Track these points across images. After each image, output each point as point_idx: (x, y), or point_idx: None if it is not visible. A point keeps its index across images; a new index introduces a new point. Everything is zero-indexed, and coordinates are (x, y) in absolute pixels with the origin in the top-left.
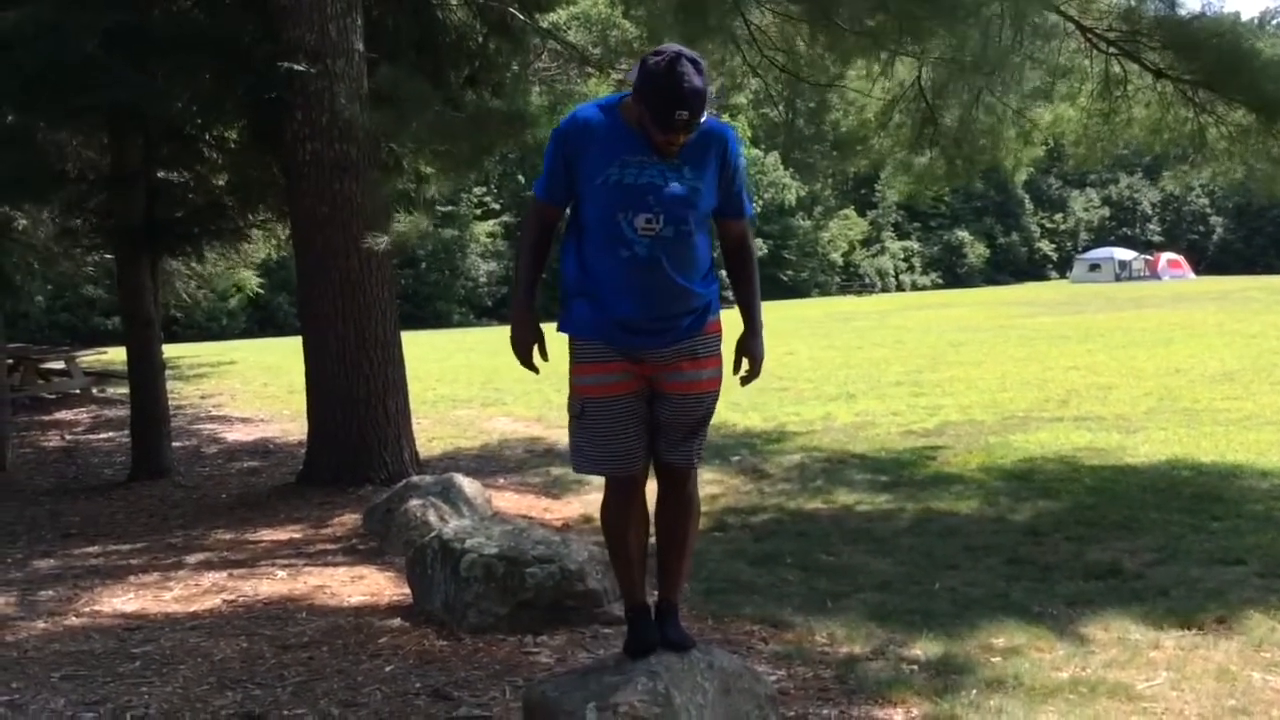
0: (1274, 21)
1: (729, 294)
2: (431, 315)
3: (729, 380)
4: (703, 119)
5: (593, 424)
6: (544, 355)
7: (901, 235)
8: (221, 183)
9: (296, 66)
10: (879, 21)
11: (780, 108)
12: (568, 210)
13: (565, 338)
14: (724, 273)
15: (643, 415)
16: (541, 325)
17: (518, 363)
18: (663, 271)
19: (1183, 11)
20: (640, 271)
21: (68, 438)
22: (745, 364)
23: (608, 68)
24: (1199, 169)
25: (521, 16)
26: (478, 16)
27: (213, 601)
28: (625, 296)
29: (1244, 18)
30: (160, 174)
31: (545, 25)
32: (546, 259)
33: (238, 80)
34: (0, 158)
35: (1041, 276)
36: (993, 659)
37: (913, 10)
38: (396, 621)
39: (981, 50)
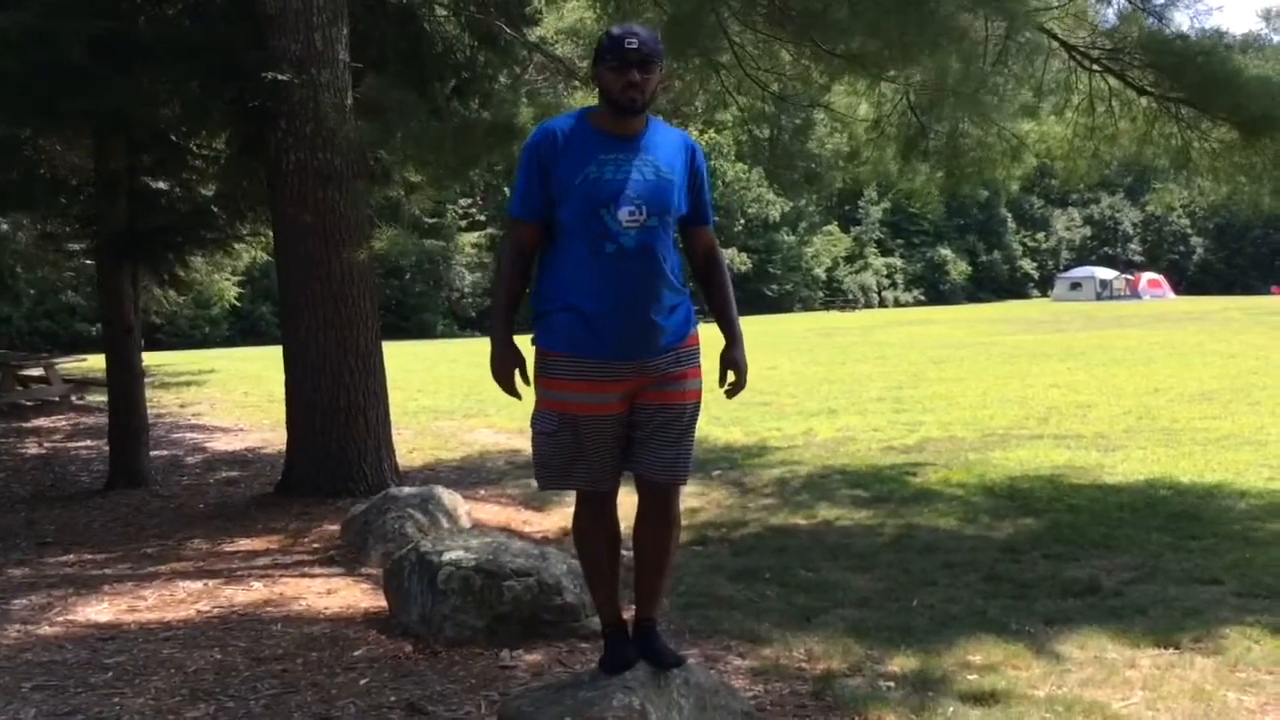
0: (1258, 44)
1: (704, 308)
2: (415, 326)
3: (714, 393)
4: (655, 65)
5: (567, 441)
6: (525, 379)
7: (885, 252)
8: (208, 191)
9: (281, 76)
10: (863, 45)
11: (765, 125)
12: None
13: (534, 351)
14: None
15: (620, 434)
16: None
17: (498, 387)
18: (649, 262)
19: (1170, 29)
20: (627, 263)
21: (45, 445)
22: (730, 375)
23: (594, 81)
24: (1184, 185)
25: (509, 30)
26: (465, 29)
27: (187, 612)
28: (612, 296)
29: (1229, 35)
30: (146, 181)
31: (533, 39)
32: (526, 282)
33: (223, 88)
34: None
35: (1023, 294)
36: (970, 676)
37: (897, 35)
38: (373, 634)
39: (965, 71)
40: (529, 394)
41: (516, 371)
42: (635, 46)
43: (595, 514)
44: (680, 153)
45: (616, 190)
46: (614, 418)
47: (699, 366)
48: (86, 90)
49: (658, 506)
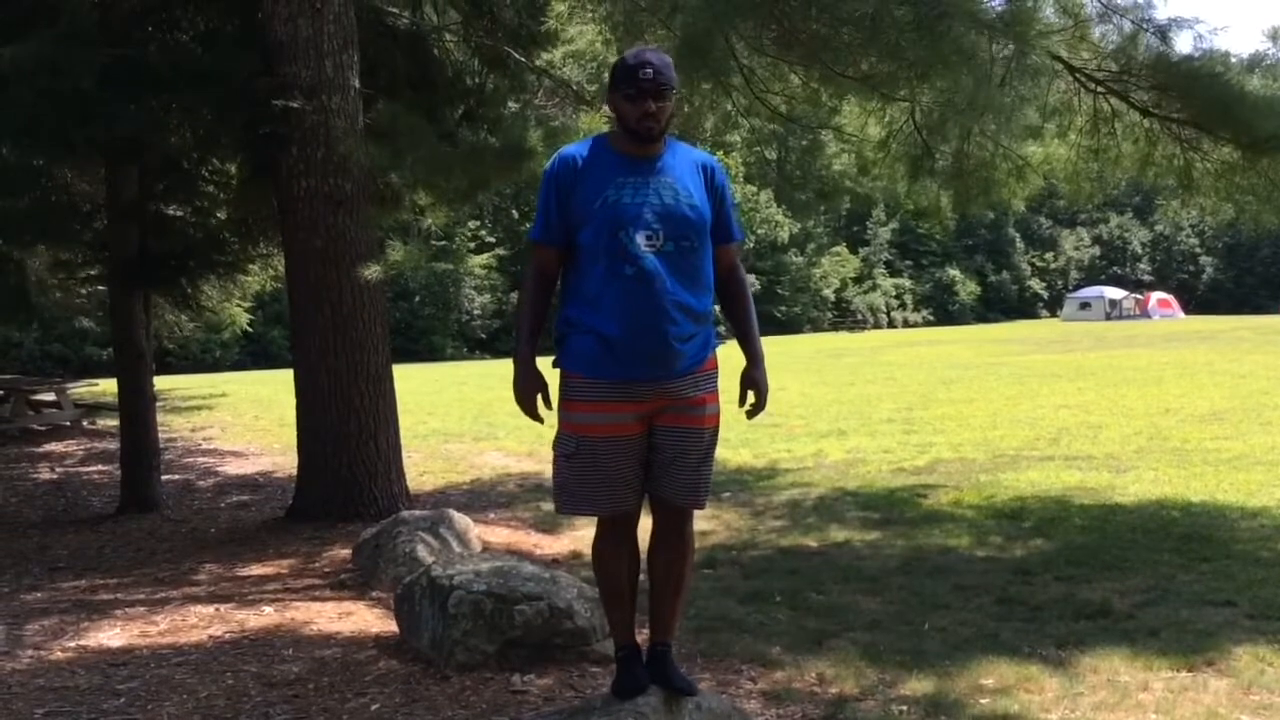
0: (1264, 63)
1: (721, 328)
2: (425, 349)
3: (735, 414)
4: (670, 92)
5: (587, 464)
6: (548, 404)
7: (893, 272)
8: (219, 217)
9: (292, 103)
10: (872, 66)
11: (774, 146)
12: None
13: (558, 375)
14: (717, 308)
15: (641, 456)
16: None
17: (521, 411)
18: (667, 285)
19: (1173, 49)
20: (646, 286)
21: (57, 470)
22: (751, 396)
23: (602, 104)
24: (1188, 204)
25: (517, 55)
26: (474, 54)
27: (199, 636)
28: (630, 318)
29: (1235, 56)
30: (159, 207)
31: (540, 63)
32: (548, 307)
33: (234, 115)
34: (14, 198)
35: (1032, 314)
36: (983, 700)
37: (907, 55)
38: (384, 658)
39: (974, 92)
40: (550, 418)
41: (539, 395)
42: (651, 77)
43: (617, 537)
44: (698, 174)
45: (635, 213)
46: (632, 439)
47: (717, 392)
48: (98, 118)
49: (673, 530)
